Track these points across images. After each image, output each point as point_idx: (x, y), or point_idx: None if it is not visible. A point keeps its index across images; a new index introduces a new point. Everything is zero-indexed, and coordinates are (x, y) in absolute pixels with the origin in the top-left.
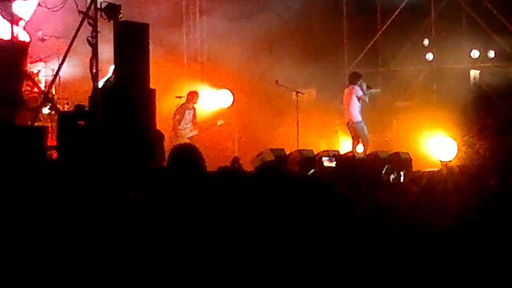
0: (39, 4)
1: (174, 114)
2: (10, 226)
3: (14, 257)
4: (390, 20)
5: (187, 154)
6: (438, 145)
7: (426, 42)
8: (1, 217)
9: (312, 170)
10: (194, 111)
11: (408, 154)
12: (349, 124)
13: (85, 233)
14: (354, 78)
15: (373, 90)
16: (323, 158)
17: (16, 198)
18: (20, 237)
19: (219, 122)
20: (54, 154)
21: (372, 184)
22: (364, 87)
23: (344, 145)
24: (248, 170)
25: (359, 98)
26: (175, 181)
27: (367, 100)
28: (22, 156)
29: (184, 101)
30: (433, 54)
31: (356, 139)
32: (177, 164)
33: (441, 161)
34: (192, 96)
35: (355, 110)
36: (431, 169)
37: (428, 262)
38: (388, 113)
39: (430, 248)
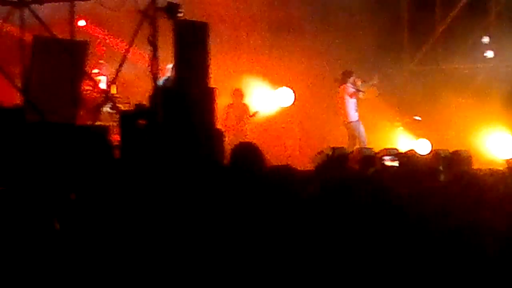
0: (99, 4)
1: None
2: (81, 225)
3: (83, 256)
4: (450, 18)
5: (247, 152)
6: (498, 143)
7: (485, 39)
8: (75, 217)
9: (373, 169)
10: (241, 108)
11: (469, 151)
12: (345, 123)
13: (149, 230)
14: (344, 77)
15: (369, 83)
16: (385, 157)
17: (86, 196)
18: (87, 235)
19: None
20: (116, 153)
21: (432, 183)
22: (359, 83)
23: (404, 143)
24: (309, 168)
25: (351, 95)
26: (235, 178)
27: (361, 96)
28: (87, 156)
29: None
30: (493, 51)
31: (352, 139)
32: (237, 162)
33: (502, 158)
34: (235, 94)
35: (351, 109)
36: (492, 167)
37: (489, 263)
38: (448, 110)
39: (492, 249)
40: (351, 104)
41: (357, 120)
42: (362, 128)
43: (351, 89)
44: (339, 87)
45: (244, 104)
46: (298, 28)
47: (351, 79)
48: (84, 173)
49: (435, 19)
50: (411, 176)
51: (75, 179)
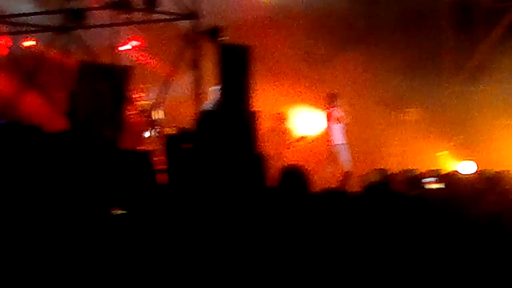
0: (141, 29)
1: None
2: (125, 251)
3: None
4: (492, 37)
5: (294, 175)
6: None
7: None
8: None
9: (417, 191)
10: (282, 132)
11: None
12: (331, 146)
13: (194, 255)
14: (331, 100)
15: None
16: (427, 179)
17: (130, 222)
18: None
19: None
20: (159, 177)
21: (475, 204)
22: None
23: (449, 164)
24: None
25: (338, 120)
26: (283, 201)
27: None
28: (130, 180)
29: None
30: None
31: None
32: (284, 184)
33: None
34: (277, 118)
35: (336, 131)
36: None
37: None
38: (492, 131)
39: None
40: (336, 127)
41: (343, 144)
42: (346, 152)
43: (337, 114)
44: (327, 108)
45: (286, 129)
46: (342, 51)
47: (337, 103)
48: (127, 197)
49: (477, 40)
50: (454, 197)
51: (118, 202)
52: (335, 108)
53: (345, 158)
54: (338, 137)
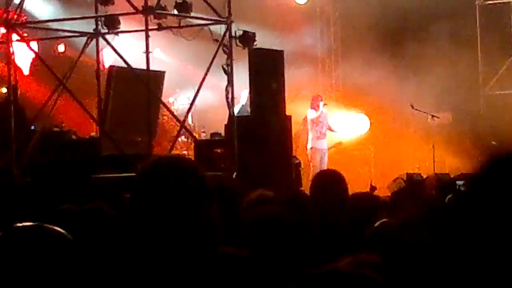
0: (174, 34)
1: None
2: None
3: None
4: None
5: (330, 180)
6: None
7: None
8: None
9: (450, 195)
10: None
11: None
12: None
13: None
14: (311, 101)
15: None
16: (458, 182)
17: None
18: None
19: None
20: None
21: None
22: (322, 109)
23: None
24: (385, 195)
25: (313, 121)
26: (318, 207)
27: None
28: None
29: None
30: None
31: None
32: (320, 190)
33: None
34: (304, 122)
35: (310, 135)
36: None
37: None
38: None
39: None
40: (312, 130)
41: (313, 148)
42: (317, 159)
43: (312, 115)
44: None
45: (298, 132)
46: (372, 56)
47: (317, 104)
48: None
49: (510, 42)
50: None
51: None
52: (310, 110)
53: (316, 165)
54: (310, 141)
